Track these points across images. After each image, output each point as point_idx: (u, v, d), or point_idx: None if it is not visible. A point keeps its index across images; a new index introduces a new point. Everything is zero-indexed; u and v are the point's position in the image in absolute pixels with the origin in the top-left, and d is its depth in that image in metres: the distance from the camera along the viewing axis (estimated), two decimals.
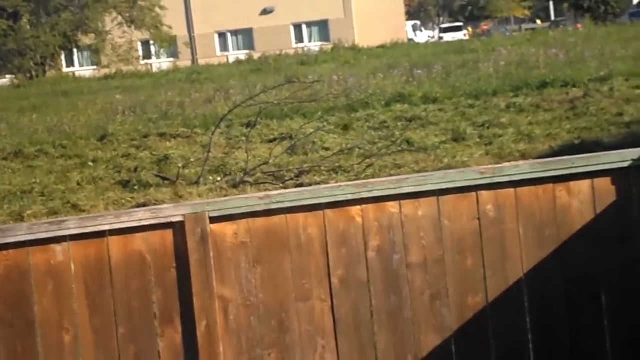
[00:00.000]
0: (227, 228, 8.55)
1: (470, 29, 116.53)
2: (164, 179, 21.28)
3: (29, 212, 18.81)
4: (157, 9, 79.60)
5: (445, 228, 8.87)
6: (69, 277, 8.36)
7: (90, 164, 23.26)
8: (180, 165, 22.07)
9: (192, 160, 22.42)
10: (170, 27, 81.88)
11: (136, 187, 20.66)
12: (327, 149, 22.99)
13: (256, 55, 71.43)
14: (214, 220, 8.42)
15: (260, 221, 8.57)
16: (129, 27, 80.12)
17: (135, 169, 22.19)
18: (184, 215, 8.37)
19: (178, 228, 8.37)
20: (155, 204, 16.09)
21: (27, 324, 8.15)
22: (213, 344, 8.39)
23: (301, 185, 20.01)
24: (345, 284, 8.81)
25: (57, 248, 8.31)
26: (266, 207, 8.52)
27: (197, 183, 20.91)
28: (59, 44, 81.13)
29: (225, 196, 16.72)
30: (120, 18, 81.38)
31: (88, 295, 8.37)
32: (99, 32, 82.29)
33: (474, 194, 8.99)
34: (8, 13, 78.14)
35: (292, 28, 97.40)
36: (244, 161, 21.84)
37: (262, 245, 8.57)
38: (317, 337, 8.59)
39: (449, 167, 19.76)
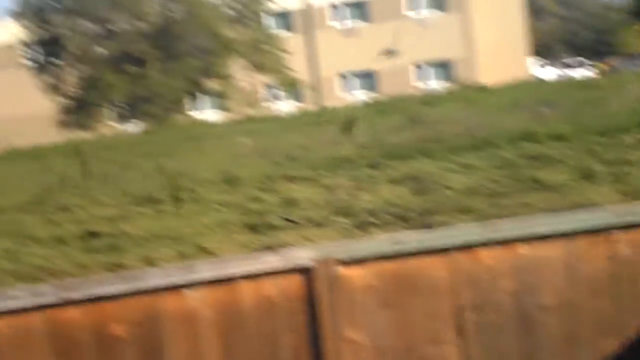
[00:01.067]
0: (356, 271, 8.48)
1: (596, 64, 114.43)
2: (290, 221, 21.33)
3: (159, 256, 18.85)
4: (281, 53, 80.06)
5: (578, 270, 8.73)
6: (200, 322, 8.34)
7: (218, 207, 23.35)
8: (305, 207, 22.12)
9: (317, 202, 22.44)
10: (294, 71, 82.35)
11: (263, 230, 20.67)
12: (451, 189, 22.70)
13: (379, 96, 71.39)
14: (342, 263, 8.37)
15: (388, 264, 8.50)
16: (254, 71, 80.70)
17: (262, 213, 22.30)
18: (313, 259, 8.33)
19: (307, 272, 8.31)
20: (282, 247, 16.09)
21: None
22: None
23: (427, 226, 19.85)
24: (476, 326, 8.51)
25: (189, 293, 8.31)
26: (394, 250, 8.47)
27: (322, 225, 20.91)
28: (185, 90, 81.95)
29: (350, 238, 16.66)
30: (245, 63, 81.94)
31: (220, 340, 8.33)
32: (224, 77, 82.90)
33: (607, 234, 8.85)
34: (136, 59, 78.96)
35: (414, 68, 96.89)
36: (369, 202, 21.83)
37: (391, 288, 8.49)
38: None
39: (578, 206, 19.42)
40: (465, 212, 21.01)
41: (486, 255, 8.57)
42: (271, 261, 8.54)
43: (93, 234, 21.45)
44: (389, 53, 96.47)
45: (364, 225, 20.34)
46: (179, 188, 26.88)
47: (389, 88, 77.65)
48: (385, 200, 22.19)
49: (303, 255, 8.50)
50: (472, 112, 39.16)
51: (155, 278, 8.62)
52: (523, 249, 8.59)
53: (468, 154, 27.62)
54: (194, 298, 8.32)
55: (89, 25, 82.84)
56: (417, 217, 21.21)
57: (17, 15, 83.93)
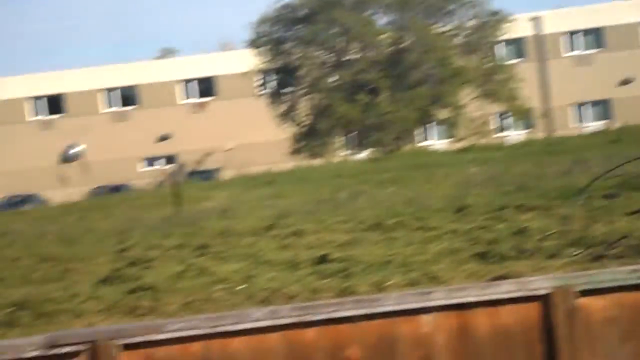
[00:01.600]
0: (595, 302, 8.36)
1: None
2: (522, 251, 21.11)
3: (389, 282, 18.83)
4: (514, 82, 79.43)
5: None
6: (434, 347, 8.33)
7: (447, 235, 23.27)
8: (538, 237, 21.89)
9: (550, 232, 22.18)
10: (526, 99, 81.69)
11: (494, 259, 20.52)
12: None
13: (614, 126, 70.59)
14: (581, 293, 8.27)
15: (629, 295, 8.37)
16: (485, 100, 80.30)
17: (493, 242, 22.09)
18: (551, 288, 8.25)
19: (545, 301, 8.23)
20: (514, 276, 15.91)
21: None
22: None
23: None
24: None
25: (424, 318, 8.30)
26: (636, 281, 8.34)
27: (555, 255, 20.66)
28: (415, 118, 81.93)
29: (586, 269, 16.41)
30: (475, 92, 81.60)
31: None
32: (455, 106, 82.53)
33: None
34: (367, 88, 79.18)
35: None
36: (604, 233, 21.49)
37: (633, 320, 8.33)
38: None
39: None
40: None
41: None
42: (507, 289, 8.47)
43: (325, 259, 21.57)
44: (627, 82, 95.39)
45: (599, 256, 20.07)
46: (408, 215, 26.88)
47: (626, 118, 76.17)
48: (622, 231, 21.81)
49: (540, 284, 8.43)
50: None
51: (391, 303, 8.60)
52: None
53: None
54: (429, 323, 8.28)
55: (322, 55, 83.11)
56: None
57: (253, 45, 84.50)
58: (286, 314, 8.79)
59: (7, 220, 47.49)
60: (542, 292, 8.28)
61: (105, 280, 22.51)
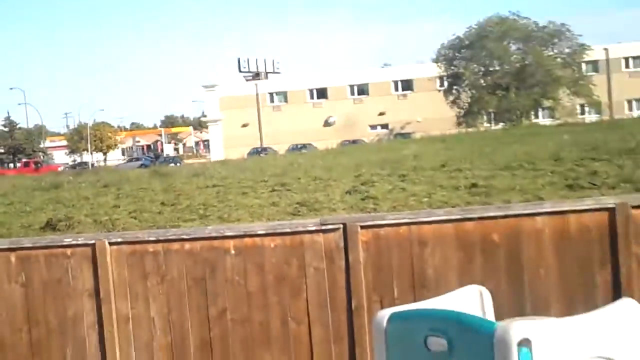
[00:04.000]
0: None
1: None
2: (595, 184, 20.75)
3: (514, 200, 18.83)
4: (590, 85, 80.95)
5: None
6: (542, 238, 8.19)
7: (549, 174, 23.02)
8: (604, 177, 21.48)
9: (611, 175, 21.80)
10: (598, 96, 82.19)
11: (578, 189, 20.23)
12: None
13: None
14: (632, 207, 8.01)
15: None
16: (573, 96, 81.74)
17: (576, 178, 21.78)
18: (614, 204, 8.02)
19: (612, 211, 7.96)
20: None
21: None
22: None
23: None
24: None
25: (538, 219, 8.13)
26: None
27: (615, 187, 20.23)
28: (530, 105, 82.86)
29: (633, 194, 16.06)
30: (568, 91, 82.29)
31: (553, 247, 8.16)
32: (554, 99, 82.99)
33: None
34: (502, 87, 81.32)
35: None
36: None
37: None
38: None
39: None
40: None
41: None
42: (588, 203, 8.24)
43: (475, 185, 21.56)
44: None
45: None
46: (523, 162, 26.48)
47: None
48: None
49: (608, 201, 8.17)
50: None
51: (518, 208, 8.46)
52: None
53: None
54: (541, 222, 8.07)
55: (477, 67, 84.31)
56: None
57: (436, 61, 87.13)
58: (456, 213, 8.70)
59: (297, 157, 48.26)
60: (610, 205, 8.00)
61: (348, 192, 22.64)
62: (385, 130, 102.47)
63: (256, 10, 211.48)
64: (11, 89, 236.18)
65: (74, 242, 8.99)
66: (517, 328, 4.25)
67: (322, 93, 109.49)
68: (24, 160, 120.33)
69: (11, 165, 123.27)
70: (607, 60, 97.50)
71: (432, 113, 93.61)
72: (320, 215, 16.60)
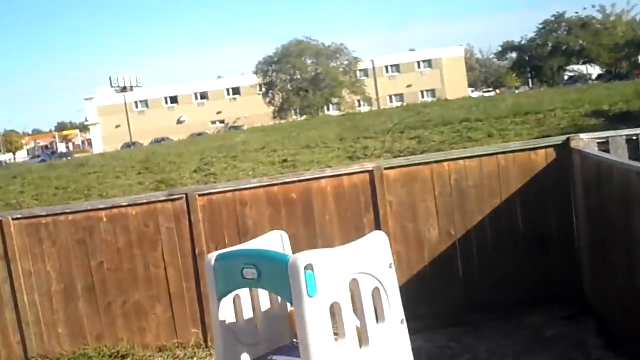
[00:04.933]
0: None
1: None
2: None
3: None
4: (364, 86, 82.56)
5: None
6: (326, 194, 8.31)
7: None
8: None
9: None
10: (369, 93, 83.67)
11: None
12: None
13: None
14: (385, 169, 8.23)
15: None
16: (352, 94, 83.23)
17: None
18: (371, 167, 8.23)
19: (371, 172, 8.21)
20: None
21: None
22: None
23: None
24: None
25: (323, 182, 8.25)
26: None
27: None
28: (323, 102, 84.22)
29: None
30: (348, 90, 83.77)
31: (335, 200, 8.29)
32: (339, 96, 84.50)
33: None
34: (304, 90, 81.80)
35: None
36: None
37: None
38: None
39: None
40: None
41: None
42: (354, 168, 8.43)
43: None
44: None
45: None
46: (321, 141, 26.50)
47: None
48: None
49: (368, 165, 8.38)
50: None
51: (309, 174, 8.55)
52: None
53: None
54: (324, 183, 8.21)
55: (284, 76, 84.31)
56: None
57: (255, 72, 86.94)
58: (265, 181, 8.75)
59: (157, 148, 46.90)
60: (369, 168, 8.19)
61: (195, 171, 22.22)
62: (222, 125, 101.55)
63: (121, 32, 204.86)
64: None
65: None
66: (302, 257, 4.35)
67: (174, 99, 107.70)
68: None
69: None
70: (374, 68, 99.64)
71: (255, 111, 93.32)
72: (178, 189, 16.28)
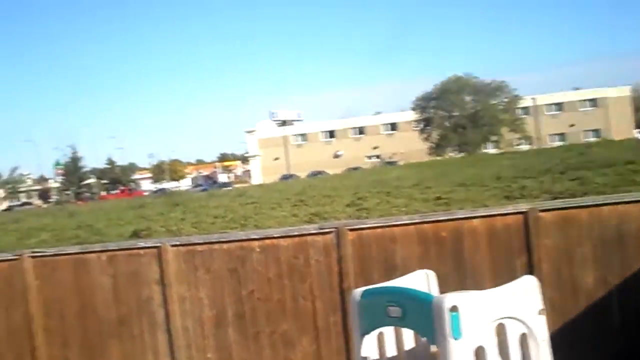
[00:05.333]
0: None
1: None
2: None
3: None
4: (524, 124, 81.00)
5: None
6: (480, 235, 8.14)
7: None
8: None
9: None
10: (529, 132, 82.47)
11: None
12: None
13: None
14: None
15: None
16: (511, 132, 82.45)
17: None
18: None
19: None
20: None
21: None
22: None
23: None
24: None
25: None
26: None
27: None
28: (481, 140, 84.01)
29: None
30: (507, 128, 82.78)
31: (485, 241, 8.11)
32: (498, 135, 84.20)
33: None
34: (462, 126, 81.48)
35: None
36: None
37: None
38: None
39: None
40: None
41: None
42: (508, 209, 8.19)
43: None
44: None
45: None
46: (477, 179, 26.13)
47: None
48: None
49: (522, 207, 8.12)
50: None
51: (461, 213, 8.42)
52: None
53: None
54: (476, 223, 8.01)
55: (441, 112, 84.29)
56: None
57: (413, 108, 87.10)
58: (416, 218, 8.70)
59: (313, 181, 47.73)
60: (524, 210, 7.93)
61: (348, 205, 22.43)
62: (377, 160, 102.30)
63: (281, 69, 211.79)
64: (110, 137, 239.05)
65: (145, 245, 9.09)
66: (448, 298, 4.29)
67: (332, 134, 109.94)
68: (120, 188, 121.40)
69: (112, 192, 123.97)
70: (535, 106, 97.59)
71: (411, 146, 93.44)
72: (329, 222, 16.51)
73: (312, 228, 8.70)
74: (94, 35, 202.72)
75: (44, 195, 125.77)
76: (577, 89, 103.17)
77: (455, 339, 4.19)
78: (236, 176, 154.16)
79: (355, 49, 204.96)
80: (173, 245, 8.86)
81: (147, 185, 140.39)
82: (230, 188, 79.78)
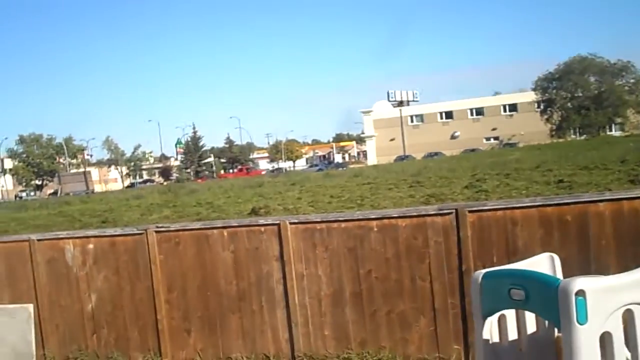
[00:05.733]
0: None
1: None
2: None
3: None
4: None
5: None
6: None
7: (614, 171, 22.15)
8: None
9: None
10: None
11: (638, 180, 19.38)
12: None
13: None
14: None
15: None
16: (637, 114, 79.20)
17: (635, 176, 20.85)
18: None
19: None
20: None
21: None
22: None
23: None
24: None
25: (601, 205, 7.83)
26: None
27: None
28: (605, 122, 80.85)
29: None
30: (633, 110, 79.47)
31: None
32: (624, 117, 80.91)
33: None
34: (584, 108, 78.81)
35: None
36: None
37: None
38: None
39: None
40: None
41: None
42: (636, 192, 7.88)
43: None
44: None
45: None
46: (601, 162, 25.33)
47: None
48: None
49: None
50: None
51: (586, 197, 8.17)
52: None
53: None
54: (602, 207, 7.77)
55: (564, 93, 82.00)
56: None
57: (534, 89, 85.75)
58: (538, 200, 8.51)
59: (429, 162, 47.33)
60: None
61: (466, 187, 22.18)
62: (496, 142, 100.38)
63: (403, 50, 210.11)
64: (230, 117, 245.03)
65: (266, 223, 9.26)
66: (574, 282, 4.18)
67: (449, 115, 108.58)
68: (239, 167, 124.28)
69: (230, 170, 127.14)
70: None
71: (531, 128, 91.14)
72: (447, 204, 16.40)
73: (430, 209, 8.65)
74: (216, 19, 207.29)
75: (165, 173, 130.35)
76: None
77: (581, 324, 4.09)
78: (351, 157, 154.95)
79: (473, 28, 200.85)
80: (292, 223, 9.00)
81: (264, 165, 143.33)
82: (345, 168, 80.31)
